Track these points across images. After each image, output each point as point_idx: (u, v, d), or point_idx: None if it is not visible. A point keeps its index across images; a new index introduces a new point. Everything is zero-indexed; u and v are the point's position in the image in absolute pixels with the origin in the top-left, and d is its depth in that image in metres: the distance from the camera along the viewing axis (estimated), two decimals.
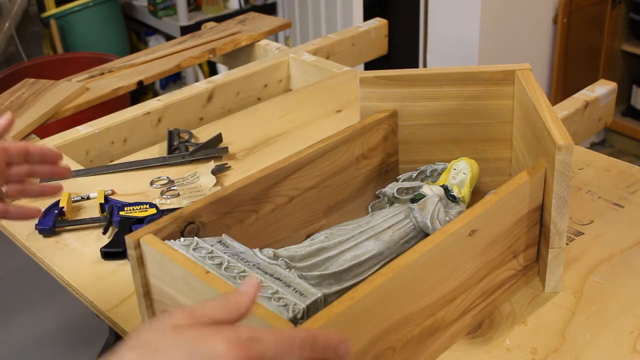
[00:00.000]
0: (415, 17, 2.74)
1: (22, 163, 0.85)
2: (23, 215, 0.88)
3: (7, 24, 3.07)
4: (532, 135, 1.00)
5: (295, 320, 0.72)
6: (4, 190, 0.85)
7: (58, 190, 0.89)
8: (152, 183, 1.28)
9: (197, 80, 3.22)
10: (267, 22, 1.94)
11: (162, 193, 1.25)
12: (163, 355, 0.52)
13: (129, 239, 0.84)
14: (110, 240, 1.11)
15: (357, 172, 1.10)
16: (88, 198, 1.24)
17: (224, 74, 1.67)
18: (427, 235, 0.96)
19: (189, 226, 0.89)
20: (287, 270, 0.82)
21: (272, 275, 0.79)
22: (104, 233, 1.14)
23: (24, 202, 1.01)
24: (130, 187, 1.27)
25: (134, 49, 3.35)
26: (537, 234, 0.98)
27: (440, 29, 2.63)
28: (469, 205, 0.98)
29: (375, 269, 0.93)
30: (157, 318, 0.56)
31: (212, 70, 3.28)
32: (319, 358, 0.56)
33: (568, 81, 2.83)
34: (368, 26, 1.91)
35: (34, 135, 1.42)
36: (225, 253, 0.82)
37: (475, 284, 0.90)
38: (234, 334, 0.52)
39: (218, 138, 1.39)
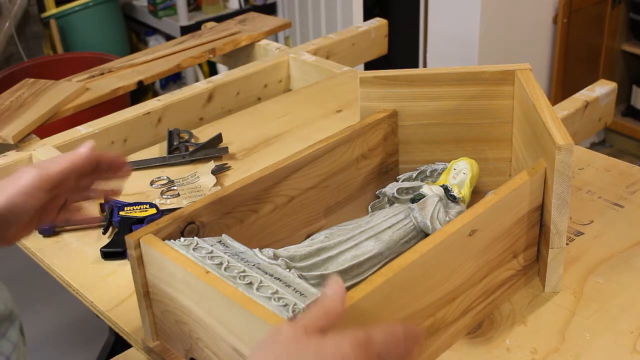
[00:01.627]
0: (415, 17, 2.75)
1: (90, 173, 0.86)
2: (85, 222, 0.93)
3: (7, 24, 3.07)
4: (532, 135, 1.00)
5: None
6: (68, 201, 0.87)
7: (118, 193, 0.91)
8: (152, 183, 1.28)
9: (197, 80, 3.22)
10: (267, 22, 1.94)
11: (162, 193, 1.25)
12: None
13: (129, 239, 0.84)
14: (110, 240, 1.11)
15: (357, 172, 1.10)
16: None
17: (224, 74, 1.67)
18: (427, 235, 0.96)
19: (189, 226, 0.89)
20: (287, 270, 0.82)
21: (272, 275, 0.79)
22: (104, 233, 1.14)
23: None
24: (130, 187, 1.27)
25: (134, 49, 3.35)
26: (537, 234, 0.98)
27: (440, 29, 2.63)
28: (469, 205, 0.98)
29: (375, 269, 0.93)
30: (266, 338, 0.61)
31: (212, 70, 3.28)
32: (412, 347, 0.63)
33: (568, 81, 2.83)
34: (368, 26, 1.91)
35: (34, 135, 1.42)
36: (225, 253, 0.82)
37: (475, 284, 0.90)
38: (354, 336, 0.59)
39: (218, 138, 1.39)
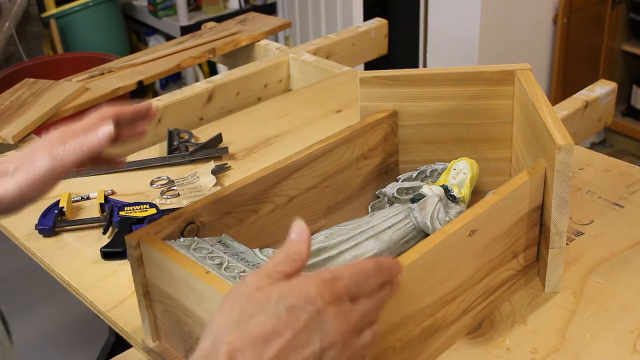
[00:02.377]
0: (415, 17, 2.75)
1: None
2: (113, 164, 0.89)
3: (7, 24, 3.07)
4: (532, 135, 1.00)
5: None
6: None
7: (143, 134, 0.88)
8: (152, 183, 1.28)
9: (197, 80, 3.22)
10: (267, 22, 1.94)
11: (162, 193, 1.25)
12: (263, 317, 0.55)
13: (129, 239, 0.84)
14: (110, 240, 1.11)
15: (357, 172, 1.10)
16: (88, 198, 1.24)
17: (224, 74, 1.67)
18: (427, 235, 0.96)
19: (189, 226, 0.89)
20: None
21: None
22: (104, 233, 1.14)
23: None
24: (130, 187, 1.27)
25: (134, 49, 3.35)
26: (537, 234, 0.98)
27: (440, 29, 2.63)
28: (469, 205, 0.98)
29: None
30: (231, 290, 0.59)
31: (212, 70, 3.28)
32: (386, 280, 0.63)
33: (568, 81, 2.83)
34: (368, 26, 1.91)
35: (34, 135, 1.42)
36: (225, 253, 0.82)
37: (475, 284, 0.90)
38: (318, 276, 0.57)
39: (218, 138, 1.39)
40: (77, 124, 0.81)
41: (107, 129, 0.79)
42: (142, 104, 0.86)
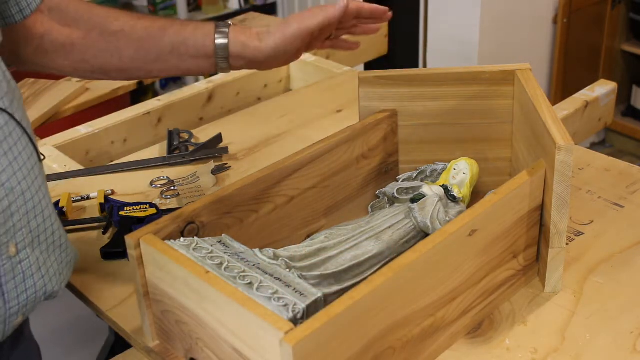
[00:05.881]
0: (415, 17, 2.75)
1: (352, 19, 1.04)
2: (348, 47, 1.08)
3: None
4: (532, 135, 1.00)
5: (295, 321, 0.72)
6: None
7: (376, 30, 1.07)
8: (152, 183, 1.28)
9: (197, 80, 3.22)
10: (267, 22, 1.94)
11: (162, 193, 1.25)
12: None
13: (129, 239, 0.84)
14: (110, 240, 1.11)
15: (357, 172, 1.10)
16: (88, 198, 1.24)
17: (224, 74, 1.67)
18: (427, 235, 0.96)
19: (189, 226, 0.89)
20: (287, 270, 0.82)
21: (272, 275, 0.79)
22: (104, 233, 1.14)
23: None
24: (130, 187, 1.27)
25: None
26: (537, 234, 0.98)
27: (440, 29, 2.63)
28: (469, 205, 0.98)
29: (375, 269, 0.93)
30: None
31: None
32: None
33: (568, 81, 2.83)
34: None
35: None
36: (225, 253, 0.82)
37: (475, 284, 0.90)
38: None
39: (218, 138, 1.39)
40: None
41: (344, 2, 0.98)
42: (379, 7, 1.03)
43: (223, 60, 0.98)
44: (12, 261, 0.78)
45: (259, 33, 0.98)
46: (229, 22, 0.99)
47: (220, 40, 0.97)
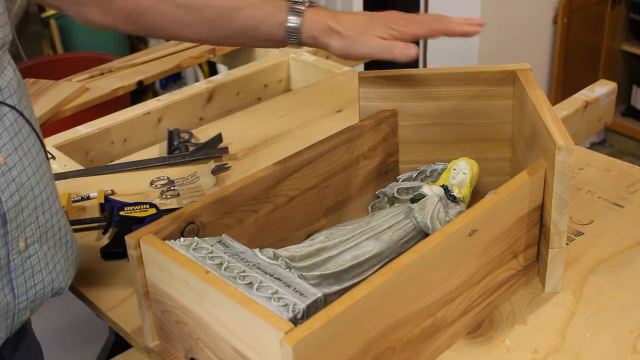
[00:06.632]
0: None
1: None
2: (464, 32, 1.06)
3: None
4: (532, 135, 1.00)
5: (295, 321, 0.72)
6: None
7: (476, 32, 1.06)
8: (152, 183, 1.28)
9: (197, 80, 3.22)
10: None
11: (162, 193, 1.25)
12: None
13: (129, 239, 0.84)
14: (110, 240, 1.11)
15: (357, 172, 1.10)
16: (88, 198, 1.24)
17: (224, 74, 1.67)
18: (427, 235, 0.96)
19: (189, 226, 0.89)
20: (287, 270, 0.82)
21: (272, 275, 0.79)
22: (104, 233, 1.14)
23: None
24: (130, 187, 1.27)
25: (134, 49, 3.34)
26: (537, 234, 0.98)
27: None
28: (469, 205, 0.98)
29: (375, 269, 0.93)
30: None
31: (212, 70, 3.28)
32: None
33: (568, 81, 2.83)
34: None
35: None
36: (225, 253, 0.82)
37: (475, 284, 0.90)
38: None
39: (218, 138, 1.39)
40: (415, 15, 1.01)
41: (412, 53, 0.95)
42: (469, 26, 1.08)
43: (294, 43, 0.99)
44: (21, 256, 0.79)
45: (331, 28, 0.97)
46: (306, 1, 0.98)
47: (292, 27, 0.96)
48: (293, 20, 0.97)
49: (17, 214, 0.77)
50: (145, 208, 1.16)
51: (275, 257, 0.86)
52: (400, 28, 0.97)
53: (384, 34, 0.96)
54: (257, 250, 0.85)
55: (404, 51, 0.94)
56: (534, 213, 0.95)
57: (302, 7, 0.97)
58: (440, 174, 1.10)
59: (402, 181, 1.10)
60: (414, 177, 1.11)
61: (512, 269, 0.95)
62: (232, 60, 1.90)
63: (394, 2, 2.94)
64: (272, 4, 0.98)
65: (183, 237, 0.87)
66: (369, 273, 0.92)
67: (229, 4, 0.97)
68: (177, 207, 1.18)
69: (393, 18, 0.98)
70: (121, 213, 1.14)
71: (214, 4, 0.97)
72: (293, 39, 0.98)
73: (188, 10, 0.97)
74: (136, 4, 0.97)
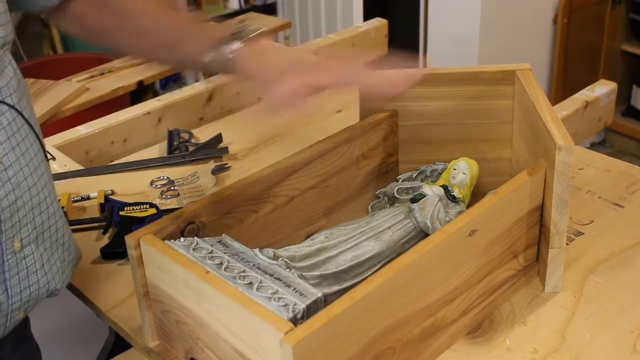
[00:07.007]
0: (415, 17, 2.74)
1: None
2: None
3: None
4: (532, 135, 1.00)
5: (295, 321, 0.72)
6: None
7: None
8: (152, 183, 1.28)
9: (197, 80, 3.22)
10: (267, 22, 1.94)
11: (162, 193, 1.25)
12: None
13: (129, 239, 0.84)
14: (110, 240, 1.11)
15: (357, 172, 1.10)
16: (88, 198, 1.24)
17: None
18: (427, 235, 0.96)
19: (189, 226, 0.89)
20: (287, 270, 0.82)
21: (272, 275, 0.79)
22: (104, 233, 1.14)
23: None
24: (130, 187, 1.27)
25: None
26: (537, 234, 0.98)
27: (440, 29, 2.63)
28: (469, 205, 0.98)
29: (375, 269, 0.93)
30: None
31: None
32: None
33: (568, 81, 2.83)
34: (368, 26, 1.91)
35: None
36: (225, 253, 0.82)
37: (475, 284, 0.90)
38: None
39: (218, 138, 1.39)
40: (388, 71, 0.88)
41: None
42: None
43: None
44: (16, 256, 0.79)
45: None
46: (245, 40, 0.87)
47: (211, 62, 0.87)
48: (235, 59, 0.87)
49: (13, 214, 0.77)
50: (145, 208, 1.16)
51: (275, 257, 0.86)
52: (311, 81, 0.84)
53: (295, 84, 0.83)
54: (257, 250, 0.85)
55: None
56: (534, 213, 0.95)
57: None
58: (440, 174, 1.10)
59: (402, 181, 1.10)
60: (414, 177, 1.11)
61: (512, 269, 0.95)
62: None
63: (394, 2, 2.94)
64: (216, 45, 0.87)
65: (183, 237, 0.87)
66: (369, 273, 0.92)
67: (177, 31, 0.89)
68: (177, 207, 1.18)
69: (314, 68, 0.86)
70: (121, 213, 1.14)
71: (165, 25, 0.89)
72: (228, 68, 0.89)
73: (140, 36, 0.90)
74: (99, 22, 0.91)
